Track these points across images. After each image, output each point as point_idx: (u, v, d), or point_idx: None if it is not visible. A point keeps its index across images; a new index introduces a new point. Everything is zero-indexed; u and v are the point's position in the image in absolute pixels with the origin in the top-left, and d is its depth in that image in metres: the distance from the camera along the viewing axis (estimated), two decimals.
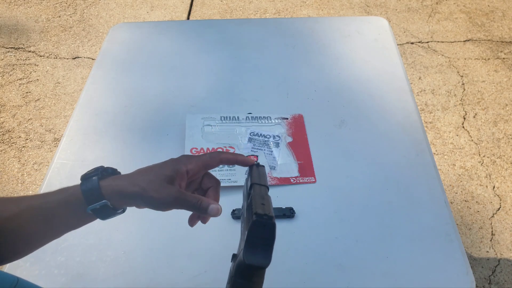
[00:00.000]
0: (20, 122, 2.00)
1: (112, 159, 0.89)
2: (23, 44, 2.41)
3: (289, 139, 0.92)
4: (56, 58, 2.33)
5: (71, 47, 2.40)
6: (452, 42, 2.41)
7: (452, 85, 2.16)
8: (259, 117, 0.96)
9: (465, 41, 2.41)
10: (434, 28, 2.50)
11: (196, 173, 0.55)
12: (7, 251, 0.50)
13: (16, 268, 0.71)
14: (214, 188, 0.57)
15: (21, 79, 2.21)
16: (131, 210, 0.81)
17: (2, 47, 2.38)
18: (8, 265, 0.72)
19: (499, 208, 1.67)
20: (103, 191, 0.50)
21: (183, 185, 0.53)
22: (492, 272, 1.50)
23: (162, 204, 0.51)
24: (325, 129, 0.94)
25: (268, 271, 0.72)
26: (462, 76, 2.21)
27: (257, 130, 0.93)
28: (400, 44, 2.39)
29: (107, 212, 0.51)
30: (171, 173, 0.52)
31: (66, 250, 0.74)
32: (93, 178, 0.51)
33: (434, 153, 1.84)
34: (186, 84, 1.05)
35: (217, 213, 0.52)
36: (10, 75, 2.23)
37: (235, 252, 0.47)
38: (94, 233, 0.76)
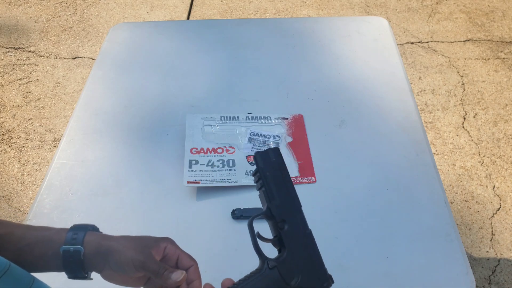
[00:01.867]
0: (20, 122, 2.00)
1: (112, 159, 0.89)
2: (23, 44, 2.41)
3: (289, 139, 0.92)
4: (56, 58, 2.33)
5: (71, 47, 2.40)
6: (452, 42, 2.41)
7: (452, 85, 2.16)
8: (259, 117, 0.96)
9: (465, 41, 2.41)
10: (434, 28, 2.50)
11: (172, 253, 0.54)
12: None
13: None
14: (194, 267, 0.55)
15: (21, 79, 2.21)
16: (131, 209, 0.81)
17: (2, 47, 2.38)
18: None
19: (499, 208, 1.67)
20: (86, 238, 0.51)
21: (157, 258, 0.53)
22: (492, 272, 1.50)
23: (131, 263, 0.50)
24: (325, 129, 0.94)
25: None
26: (462, 76, 2.21)
27: (257, 130, 0.93)
28: (400, 44, 2.39)
29: (74, 262, 0.50)
30: (151, 243, 0.53)
31: None
32: (88, 226, 0.53)
33: (434, 153, 1.84)
34: (186, 84, 1.05)
35: (180, 276, 0.50)
36: (10, 75, 2.23)
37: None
38: None
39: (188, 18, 2.60)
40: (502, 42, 2.41)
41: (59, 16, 2.61)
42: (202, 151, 0.88)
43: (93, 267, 0.52)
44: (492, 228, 1.61)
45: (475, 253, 1.54)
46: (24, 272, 0.44)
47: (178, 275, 0.50)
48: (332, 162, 0.88)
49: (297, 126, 0.95)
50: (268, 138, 0.92)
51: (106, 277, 0.52)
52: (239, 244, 0.74)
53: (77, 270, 0.51)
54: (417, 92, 2.12)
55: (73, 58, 2.33)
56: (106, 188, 0.84)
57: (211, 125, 0.93)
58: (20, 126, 1.98)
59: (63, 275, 0.71)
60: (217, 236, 0.76)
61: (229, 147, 0.89)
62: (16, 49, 2.38)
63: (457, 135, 1.93)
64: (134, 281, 0.53)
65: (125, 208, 0.81)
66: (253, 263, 0.50)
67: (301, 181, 0.84)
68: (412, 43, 2.41)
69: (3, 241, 0.50)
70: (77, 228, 0.53)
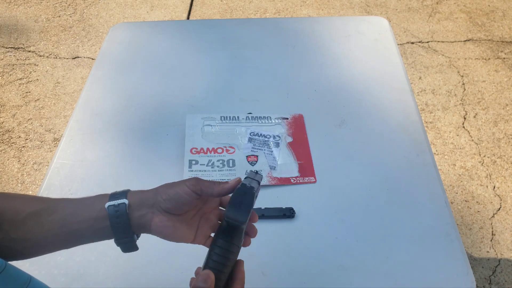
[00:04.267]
0: (20, 122, 2.00)
1: (112, 159, 0.89)
2: (23, 44, 2.41)
3: (289, 139, 0.92)
4: (56, 58, 2.33)
5: (71, 47, 2.40)
6: (452, 42, 2.41)
7: (452, 85, 2.16)
8: (259, 117, 0.96)
9: (465, 41, 2.41)
10: (435, 28, 2.50)
11: (208, 198, 0.56)
12: (22, 247, 0.50)
13: None
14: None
15: (21, 79, 2.21)
16: None
17: (2, 47, 2.38)
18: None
19: (499, 208, 1.67)
20: (128, 194, 0.53)
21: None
22: (493, 272, 1.50)
23: (185, 187, 0.52)
24: (325, 129, 0.94)
25: (269, 271, 0.72)
26: (462, 76, 2.21)
27: (257, 130, 0.93)
28: (400, 44, 2.39)
29: (121, 217, 0.51)
30: (190, 181, 0.54)
31: (66, 250, 0.74)
32: (127, 189, 0.54)
33: (435, 153, 1.84)
34: (186, 84, 1.05)
35: (237, 179, 0.55)
36: (10, 75, 2.22)
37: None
38: None
39: (188, 18, 2.60)
40: (503, 42, 2.41)
41: (59, 16, 2.61)
42: (202, 151, 0.88)
43: (141, 222, 0.52)
44: (492, 228, 1.61)
45: (475, 253, 1.54)
46: (21, 271, 0.44)
47: (235, 179, 0.55)
48: (332, 162, 0.88)
49: (297, 126, 0.94)
50: (268, 138, 0.91)
51: (157, 229, 0.52)
52: None
53: (124, 228, 0.51)
54: (417, 92, 2.12)
55: (73, 58, 2.33)
56: (106, 188, 0.84)
57: (211, 125, 0.93)
58: (20, 126, 1.98)
59: (63, 274, 0.71)
60: None
61: (229, 147, 0.89)
62: (16, 49, 2.38)
63: (458, 135, 1.93)
64: (186, 227, 0.54)
65: None
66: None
67: (301, 181, 0.84)
68: (412, 43, 2.41)
69: (45, 214, 0.50)
70: (116, 192, 0.54)
